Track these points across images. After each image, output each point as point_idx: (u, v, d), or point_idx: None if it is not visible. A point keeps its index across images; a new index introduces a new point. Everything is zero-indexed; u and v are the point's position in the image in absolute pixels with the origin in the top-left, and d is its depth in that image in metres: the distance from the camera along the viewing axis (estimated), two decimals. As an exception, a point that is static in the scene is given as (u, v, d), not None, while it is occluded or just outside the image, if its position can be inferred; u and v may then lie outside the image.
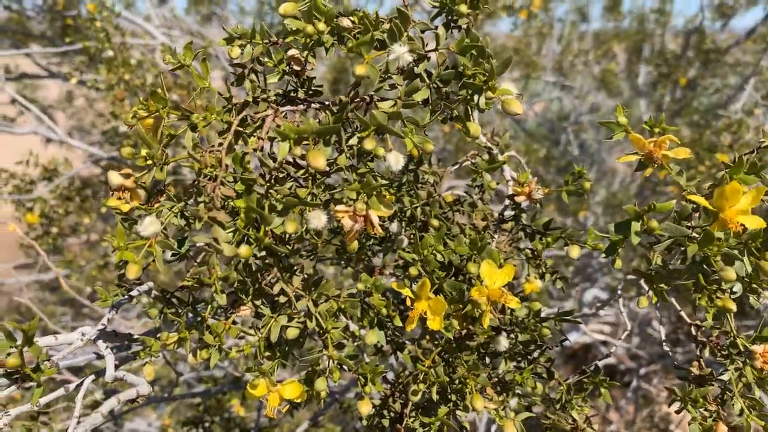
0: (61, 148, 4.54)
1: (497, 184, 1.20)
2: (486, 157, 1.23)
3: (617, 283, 4.82)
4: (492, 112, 6.13)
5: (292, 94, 0.97)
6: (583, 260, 5.29)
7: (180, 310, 1.09)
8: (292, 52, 0.96)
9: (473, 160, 1.24)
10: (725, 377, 1.05)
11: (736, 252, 0.89)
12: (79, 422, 0.92)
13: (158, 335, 1.01)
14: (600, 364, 1.16)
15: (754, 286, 0.94)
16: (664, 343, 1.19)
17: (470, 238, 1.13)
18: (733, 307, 0.91)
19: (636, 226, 0.83)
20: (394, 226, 1.22)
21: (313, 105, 0.95)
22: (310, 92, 0.98)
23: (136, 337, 1.11)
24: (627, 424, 5.72)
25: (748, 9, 7.19)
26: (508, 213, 1.17)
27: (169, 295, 1.10)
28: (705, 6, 6.64)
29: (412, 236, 1.26)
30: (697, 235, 0.82)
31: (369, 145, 0.78)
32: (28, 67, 6.21)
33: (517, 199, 1.13)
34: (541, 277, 1.17)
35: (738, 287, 0.97)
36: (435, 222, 1.20)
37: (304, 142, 0.79)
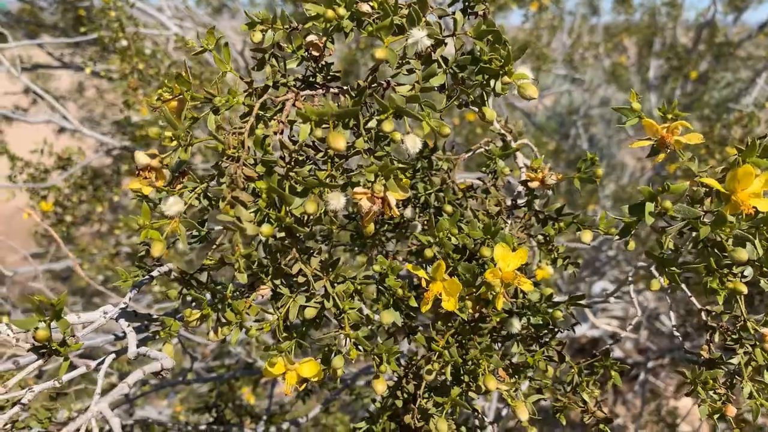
0: (73, 137, 4.58)
1: (510, 171, 1.21)
2: (500, 143, 1.24)
3: (625, 275, 4.83)
4: (502, 107, 6.14)
5: (311, 79, 0.99)
6: (591, 253, 5.29)
7: (199, 291, 1.12)
8: (310, 38, 0.97)
9: (487, 147, 1.26)
10: (735, 361, 1.06)
11: (748, 235, 0.90)
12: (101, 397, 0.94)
13: (180, 314, 1.04)
14: (609, 350, 1.18)
15: (765, 269, 0.95)
16: (674, 330, 1.20)
17: (484, 222, 1.15)
18: (744, 289, 0.92)
19: (650, 206, 0.85)
20: (408, 212, 1.24)
21: (331, 90, 0.97)
22: (329, 77, 1.00)
23: (155, 317, 1.13)
24: (634, 418, 5.73)
25: (762, 2, 7.13)
26: (521, 200, 1.19)
27: (188, 277, 1.13)
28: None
29: (425, 222, 1.28)
30: (708, 219, 0.84)
31: (388, 127, 0.80)
32: (40, 58, 6.26)
33: (531, 185, 1.14)
34: (553, 262, 1.19)
35: (749, 271, 0.99)
36: (449, 208, 1.22)
37: (324, 125, 0.81)
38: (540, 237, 1.21)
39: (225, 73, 0.92)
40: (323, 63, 1.00)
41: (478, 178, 1.27)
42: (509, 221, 1.19)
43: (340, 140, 0.77)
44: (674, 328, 1.22)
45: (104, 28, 2.67)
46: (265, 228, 0.79)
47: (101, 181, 3.18)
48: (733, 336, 1.07)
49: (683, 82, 6.11)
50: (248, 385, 2.67)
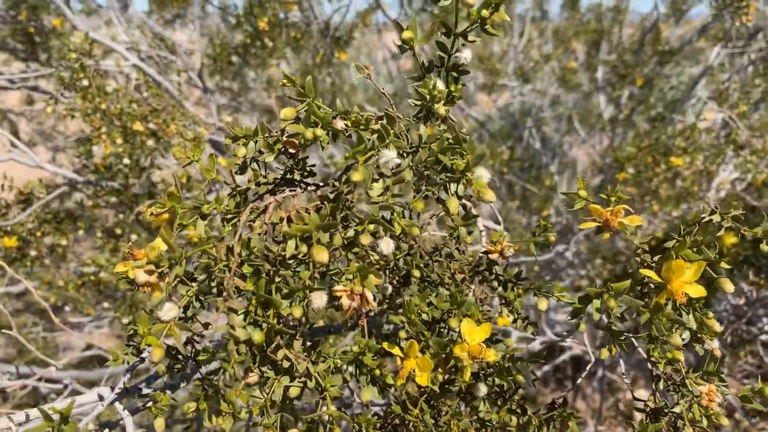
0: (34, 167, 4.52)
1: (470, 238, 1.31)
2: (462, 212, 1.34)
3: (581, 281, 5.03)
4: (457, 111, 6.28)
5: (288, 176, 1.07)
6: (551, 257, 5.48)
7: (185, 364, 1.20)
8: (287, 136, 1.06)
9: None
10: (677, 410, 1.19)
11: (685, 311, 1.03)
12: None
13: (165, 382, 1.11)
14: (566, 399, 1.29)
15: (699, 336, 1.08)
16: (624, 378, 1.33)
17: (450, 291, 1.25)
18: (681, 357, 1.05)
19: (597, 303, 0.96)
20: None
21: (309, 188, 1.06)
22: (305, 173, 1.08)
23: (146, 392, 1.21)
24: (594, 413, 5.96)
25: (706, 3, 7.44)
26: (482, 267, 1.30)
27: (175, 351, 1.20)
28: (659, 2, 6.87)
29: (396, 284, 1.38)
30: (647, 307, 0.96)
31: (365, 240, 0.89)
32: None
33: (491, 256, 1.25)
34: (513, 321, 1.30)
35: (687, 335, 1.12)
36: (416, 272, 1.32)
37: (308, 237, 0.89)
38: (502, 298, 1.31)
39: (212, 180, 1.00)
40: (299, 159, 1.09)
41: (443, 243, 1.37)
42: (472, 286, 1.29)
43: (323, 254, 0.86)
44: (624, 376, 1.34)
45: (64, 68, 2.68)
46: (257, 336, 0.87)
47: (65, 214, 3.18)
48: (676, 387, 1.20)
49: (630, 86, 6.34)
50: None
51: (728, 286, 0.99)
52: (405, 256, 1.35)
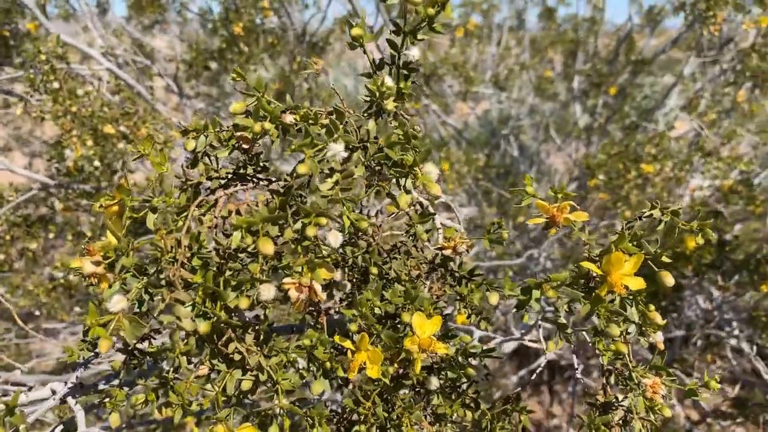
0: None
1: (427, 236, 1.34)
2: (418, 209, 1.37)
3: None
4: (435, 121, 6.33)
5: (241, 171, 1.09)
6: (525, 262, 5.52)
7: (141, 360, 1.21)
8: (241, 132, 1.07)
9: (408, 211, 1.38)
10: (626, 404, 1.22)
11: (626, 305, 1.06)
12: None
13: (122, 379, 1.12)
14: (519, 394, 1.32)
15: (644, 329, 1.11)
16: (577, 372, 1.35)
17: (404, 286, 1.27)
18: (625, 349, 1.08)
19: (536, 293, 0.99)
20: (338, 275, 1.35)
21: (261, 182, 1.07)
22: (258, 169, 1.10)
23: (101, 388, 1.21)
24: (569, 417, 6.00)
25: (676, 15, 7.58)
26: (437, 262, 1.32)
27: (131, 348, 1.21)
28: (633, 14, 6.99)
29: (356, 281, 1.40)
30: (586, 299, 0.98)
31: (311, 232, 0.91)
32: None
33: (444, 252, 1.27)
34: (468, 317, 1.32)
35: (633, 329, 1.14)
36: (374, 269, 1.34)
37: (254, 230, 0.91)
38: (457, 294, 1.33)
39: (162, 175, 1.01)
40: (252, 154, 1.10)
41: (401, 241, 1.39)
42: (427, 282, 1.31)
43: (268, 246, 0.88)
44: (577, 370, 1.37)
45: (35, 70, 2.67)
46: (203, 326, 0.89)
47: (36, 217, 3.16)
48: (624, 381, 1.23)
49: (604, 95, 6.44)
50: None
51: (668, 279, 1.02)
52: (363, 254, 1.37)
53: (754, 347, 3.47)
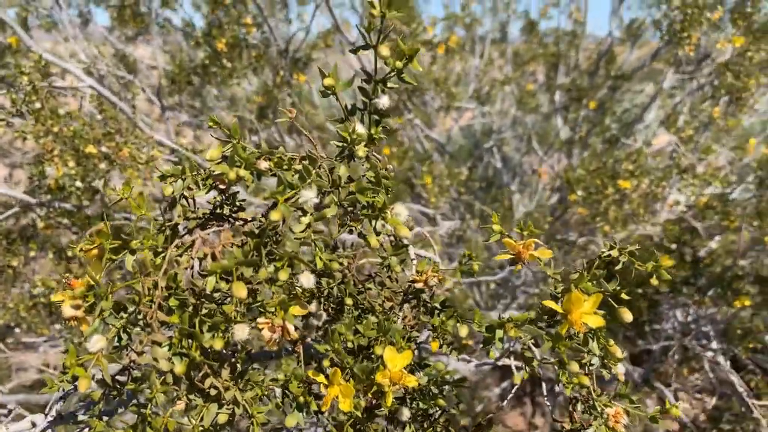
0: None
1: (402, 267, 1.38)
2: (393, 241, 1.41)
3: (534, 299, 5.14)
4: (419, 135, 6.39)
5: (217, 211, 1.13)
6: (505, 276, 5.59)
7: (120, 390, 1.24)
8: (217, 172, 1.11)
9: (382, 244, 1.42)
10: (590, 431, 1.27)
11: (589, 339, 1.11)
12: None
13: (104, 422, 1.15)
14: (492, 419, 1.36)
15: (605, 362, 1.16)
16: (546, 401, 1.40)
17: (378, 318, 1.31)
18: (587, 382, 1.12)
19: (500, 333, 1.03)
20: (313, 307, 1.39)
21: (237, 223, 1.11)
22: (235, 209, 1.13)
23: (81, 419, 1.23)
24: (552, 428, 6.06)
25: (655, 30, 7.72)
26: (410, 294, 1.36)
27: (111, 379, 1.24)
28: (614, 28, 7.12)
29: (331, 311, 1.43)
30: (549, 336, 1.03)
31: (283, 276, 0.94)
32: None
33: (416, 285, 1.31)
34: (440, 347, 1.37)
35: (596, 361, 1.19)
36: (349, 300, 1.38)
37: (228, 275, 0.95)
38: (430, 325, 1.38)
39: (141, 217, 1.04)
40: (229, 194, 1.14)
41: (375, 272, 1.43)
42: (400, 313, 1.36)
43: (241, 291, 0.91)
44: (545, 398, 1.42)
45: (16, 89, 2.69)
46: (179, 367, 0.92)
47: (17, 234, 3.16)
48: (589, 408, 1.27)
49: (585, 109, 6.54)
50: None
51: (627, 316, 1.07)
52: (338, 285, 1.41)
53: (728, 361, 3.55)
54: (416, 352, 1.36)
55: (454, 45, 4.72)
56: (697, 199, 4.05)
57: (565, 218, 5.89)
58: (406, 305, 1.41)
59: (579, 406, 1.35)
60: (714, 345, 4.16)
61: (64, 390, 1.23)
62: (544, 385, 1.54)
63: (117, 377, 1.26)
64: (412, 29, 4.42)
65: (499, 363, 1.74)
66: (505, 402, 1.50)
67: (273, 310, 1.00)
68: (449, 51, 4.75)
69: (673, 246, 3.45)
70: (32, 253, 3.21)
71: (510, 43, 8.26)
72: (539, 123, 8.35)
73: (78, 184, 2.69)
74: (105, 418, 1.25)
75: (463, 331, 1.28)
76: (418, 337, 1.37)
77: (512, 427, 6.13)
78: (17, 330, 4.00)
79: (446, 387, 1.33)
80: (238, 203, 1.14)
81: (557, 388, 5.62)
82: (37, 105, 2.65)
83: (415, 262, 1.50)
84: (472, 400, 5.54)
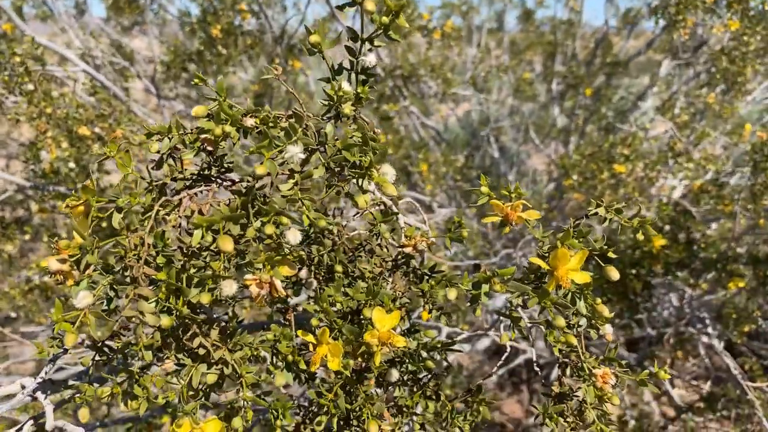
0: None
1: (391, 234, 1.38)
2: (382, 208, 1.41)
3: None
4: (416, 124, 6.38)
5: (206, 172, 1.13)
6: (501, 263, 5.59)
7: (111, 357, 1.24)
8: (205, 135, 1.11)
9: (371, 211, 1.42)
10: (579, 394, 1.27)
11: (576, 299, 1.11)
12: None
13: (95, 387, 1.15)
14: (481, 386, 1.37)
15: (593, 322, 1.16)
16: (535, 365, 1.41)
17: (367, 284, 1.32)
18: (575, 341, 1.13)
19: (486, 287, 1.04)
20: (303, 273, 1.39)
21: (224, 183, 1.11)
22: (223, 170, 1.13)
23: (71, 383, 1.24)
24: (543, 393, 6.07)
25: (651, 18, 7.71)
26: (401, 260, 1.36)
27: (100, 344, 1.24)
28: (610, 17, 7.10)
29: (321, 278, 1.44)
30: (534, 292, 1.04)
31: (270, 230, 0.95)
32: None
33: (405, 250, 1.32)
34: (429, 312, 1.37)
35: (584, 322, 1.20)
36: (339, 267, 1.38)
37: (215, 229, 0.95)
38: (420, 291, 1.38)
39: (127, 175, 1.04)
40: (216, 156, 1.14)
41: (365, 240, 1.43)
42: (390, 279, 1.36)
43: (227, 244, 0.92)
44: (536, 363, 1.42)
45: (8, 72, 2.69)
46: (165, 320, 0.92)
47: (12, 219, 3.16)
48: (578, 370, 1.28)
49: (581, 97, 6.53)
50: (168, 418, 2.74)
51: (614, 274, 1.07)
52: (328, 252, 1.41)
53: (722, 344, 3.56)
54: (406, 319, 1.36)
55: (450, 30, 4.71)
56: (691, 183, 4.05)
57: (561, 206, 5.90)
58: (395, 273, 1.42)
59: (568, 371, 1.36)
60: (710, 330, 4.17)
61: (54, 355, 1.24)
62: (539, 371, 1.55)
63: (107, 343, 1.26)
64: (408, 15, 4.41)
65: (490, 334, 1.74)
66: (495, 370, 1.50)
67: (261, 266, 1.00)
68: (445, 36, 4.74)
69: (667, 227, 3.45)
70: (27, 237, 3.21)
71: (507, 32, 8.25)
72: (536, 112, 8.34)
73: (71, 165, 2.69)
74: (95, 384, 1.26)
75: (452, 294, 1.28)
76: (408, 303, 1.37)
77: (509, 414, 6.16)
78: (14, 316, 4.00)
79: (435, 352, 1.33)
80: (226, 165, 1.15)
81: (552, 375, 5.63)
82: (30, 87, 2.64)
83: (404, 229, 1.50)
84: (469, 385, 5.55)
